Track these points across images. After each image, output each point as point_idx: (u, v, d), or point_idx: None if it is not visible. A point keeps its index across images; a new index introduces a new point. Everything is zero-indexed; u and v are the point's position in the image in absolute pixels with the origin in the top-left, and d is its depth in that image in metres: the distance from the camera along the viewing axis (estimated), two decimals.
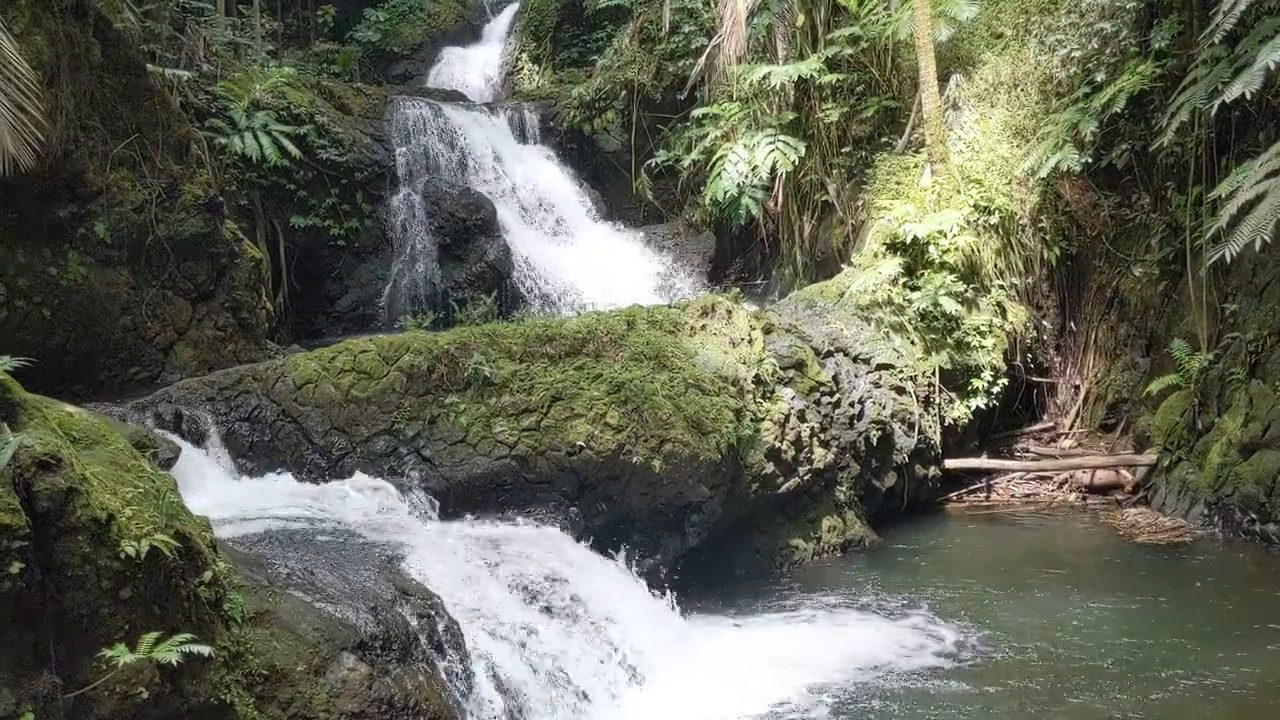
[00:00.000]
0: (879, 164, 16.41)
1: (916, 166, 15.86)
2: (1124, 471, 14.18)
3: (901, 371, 13.68)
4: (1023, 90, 15.90)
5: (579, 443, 10.60)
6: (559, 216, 21.36)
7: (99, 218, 11.94)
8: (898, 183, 15.86)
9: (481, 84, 27.31)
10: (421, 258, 19.63)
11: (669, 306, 13.07)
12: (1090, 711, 8.25)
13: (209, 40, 18.52)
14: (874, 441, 13.22)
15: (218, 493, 9.43)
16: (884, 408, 13.41)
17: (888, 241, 14.45)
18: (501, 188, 21.02)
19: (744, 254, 20.70)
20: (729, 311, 12.59)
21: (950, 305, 13.94)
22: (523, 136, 22.58)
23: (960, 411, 14.19)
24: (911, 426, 13.64)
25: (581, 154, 22.81)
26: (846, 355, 13.49)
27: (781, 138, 17.04)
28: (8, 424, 5.52)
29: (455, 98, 23.72)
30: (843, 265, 15.42)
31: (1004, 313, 14.82)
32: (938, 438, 13.98)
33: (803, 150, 16.95)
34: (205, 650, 5.67)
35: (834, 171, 17.22)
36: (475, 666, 7.70)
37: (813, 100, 17.22)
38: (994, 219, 14.93)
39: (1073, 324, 15.71)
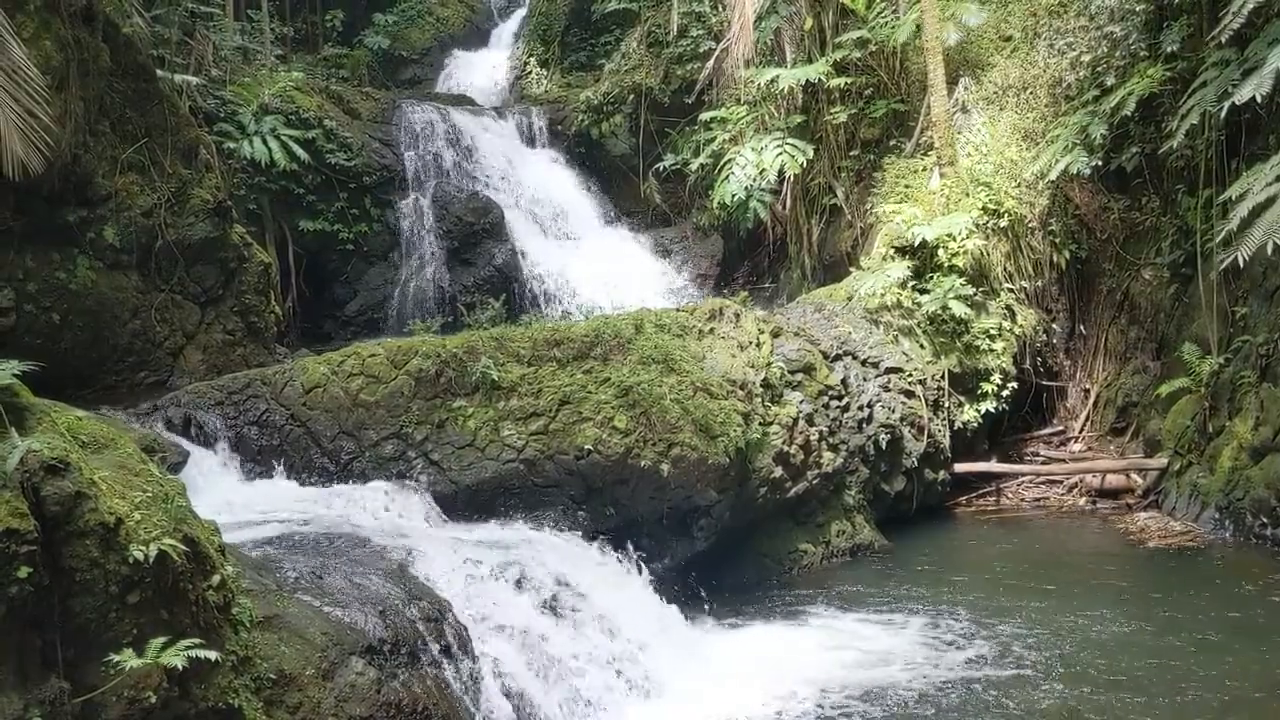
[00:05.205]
0: (887, 167, 16.40)
1: (925, 169, 15.83)
2: (1134, 475, 14.13)
3: (910, 375, 13.64)
4: (1031, 93, 15.87)
5: (587, 446, 10.59)
6: (567, 220, 21.39)
7: (108, 222, 11.97)
8: (906, 186, 15.83)
9: (489, 88, 27.33)
10: (430, 262, 19.68)
11: (677, 310, 13.04)
12: None
13: (218, 45, 18.57)
14: (883, 445, 13.19)
15: (226, 496, 9.43)
16: (893, 411, 13.37)
17: (896, 244, 14.42)
18: (509, 191, 21.05)
19: (752, 257, 20.69)
20: (737, 315, 12.57)
21: (959, 308, 13.90)
22: (531, 140, 22.62)
23: (969, 415, 14.14)
24: (920, 430, 13.60)
25: (589, 158, 22.83)
26: (855, 359, 13.46)
27: (789, 141, 17.02)
28: (16, 428, 5.52)
29: (463, 102, 23.75)
30: (851, 268, 15.37)
31: (1013, 316, 14.77)
32: (947, 441, 13.93)
33: (811, 153, 16.94)
34: (211, 655, 5.66)
35: (842, 174, 17.21)
36: (484, 671, 7.68)
37: (821, 103, 17.22)
38: (1003, 222, 14.89)
39: (1082, 327, 15.67)
